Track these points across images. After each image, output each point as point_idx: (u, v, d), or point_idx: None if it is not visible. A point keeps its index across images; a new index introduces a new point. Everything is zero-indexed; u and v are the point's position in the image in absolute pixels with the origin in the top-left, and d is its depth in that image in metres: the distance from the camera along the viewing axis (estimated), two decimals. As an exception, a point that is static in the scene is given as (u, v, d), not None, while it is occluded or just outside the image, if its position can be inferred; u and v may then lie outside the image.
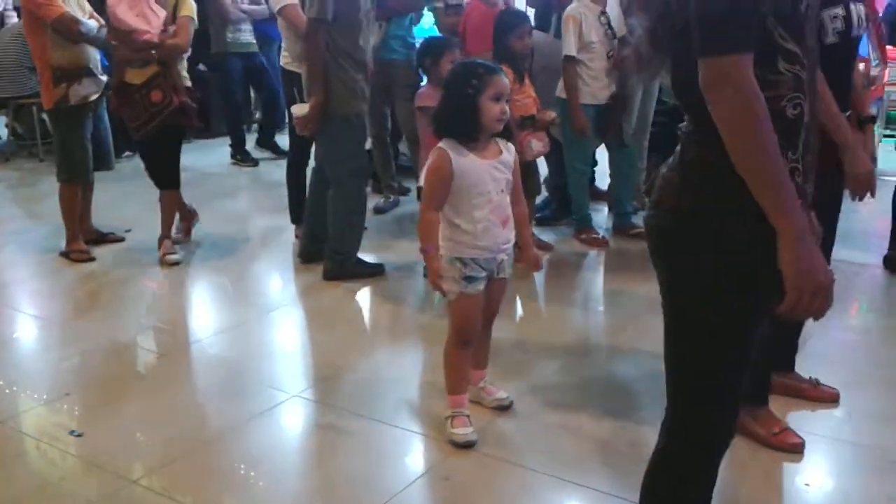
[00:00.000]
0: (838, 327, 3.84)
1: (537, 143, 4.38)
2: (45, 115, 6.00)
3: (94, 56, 4.67)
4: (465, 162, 2.68)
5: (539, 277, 4.63)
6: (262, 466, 2.72)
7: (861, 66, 4.95)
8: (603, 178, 5.74)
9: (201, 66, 8.17)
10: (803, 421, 2.89)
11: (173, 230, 4.86)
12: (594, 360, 3.55)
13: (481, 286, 2.78)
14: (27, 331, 3.99)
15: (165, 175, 4.74)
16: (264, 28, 7.44)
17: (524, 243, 2.92)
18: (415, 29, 5.64)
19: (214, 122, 8.46)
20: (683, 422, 1.74)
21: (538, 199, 5.39)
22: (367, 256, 4.60)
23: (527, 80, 4.45)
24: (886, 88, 6.19)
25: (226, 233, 5.40)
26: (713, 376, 1.67)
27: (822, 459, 2.74)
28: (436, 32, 5.66)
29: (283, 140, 7.13)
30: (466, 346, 2.86)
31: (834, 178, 2.59)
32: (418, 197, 4.61)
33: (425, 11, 5.84)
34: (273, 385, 3.31)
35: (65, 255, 4.76)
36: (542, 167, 5.59)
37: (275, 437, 2.98)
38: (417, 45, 5.40)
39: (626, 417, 3.02)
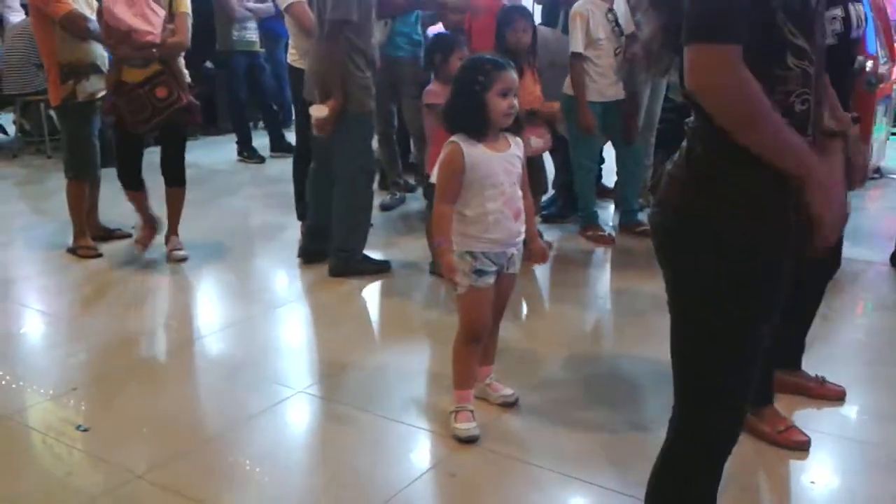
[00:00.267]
0: (845, 325, 3.84)
1: (536, 140, 4.38)
2: (52, 112, 6.02)
3: (102, 53, 4.68)
4: (478, 154, 2.68)
5: (545, 275, 4.63)
6: (267, 462, 2.73)
7: (869, 63, 4.98)
8: (610, 176, 5.73)
9: (209, 64, 8.21)
10: (809, 419, 2.89)
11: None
12: (600, 358, 3.55)
13: (491, 280, 2.78)
14: (34, 326, 4.00)
15: (171, 172, 4.74)
16: (271, 25, 7.45)
17: (530, 236, 2.92)
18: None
19: (222, 119, 8.51)
20: (688, 422, 1.74)
21: (544, 197, 5.40)
22: (373, 253, 4.60)
23: (529, 75, 4.42)
24: (895, 86, 6.16)
25: (232, 229, 5.41)
26: (714, 378, 1.67)
27: (827, 457, 2.74)
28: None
29: (290, 136, 7.14)
30: (476, 342, 2.86)
31: None
32: (424, 194, 4.64)
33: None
34: (279, 381, 3.32)
35: (72, 251, 4.77)
36: (549, 164, 5.60)
37: (280, 432, 2.99)
38: (423, 43, 5.43)
39: (632, 415, 3.02)
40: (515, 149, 2.79)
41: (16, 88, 7.46)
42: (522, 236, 2.83)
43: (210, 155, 7.84)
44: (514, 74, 2.72)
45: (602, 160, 5.74)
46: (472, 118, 2.69)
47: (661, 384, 3.03)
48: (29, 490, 2.59)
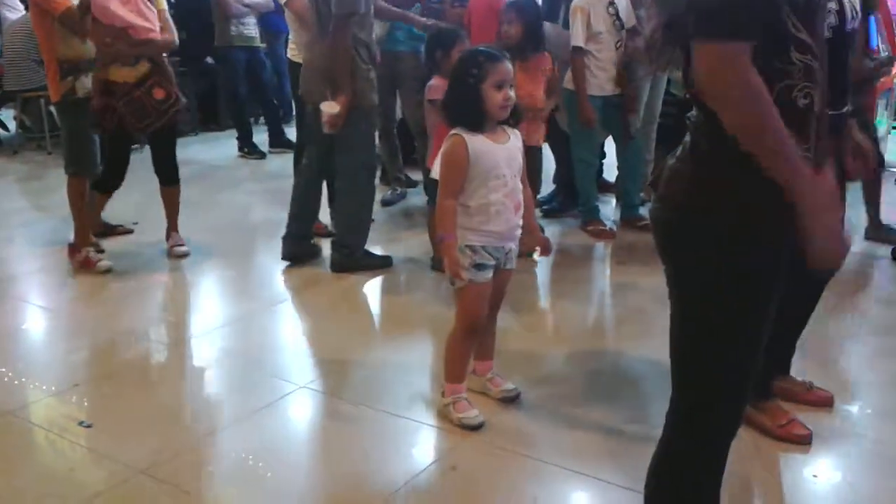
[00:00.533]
0: (848, 320, 3.84)
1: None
2: (52, 108, 6.00)
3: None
4: (481, 145, 2.69)
5: (546, 269, 4.63)
6: (269, 457, 2.73)
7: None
8: (610, 170, 5.73)
9: (208, 60, 8.21)
10: (810, 413, 2.89)
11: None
12: (601, 352, 3.55)
13: (490, 275, 2.78)
14: (36, 322, 4.01)
15: (165, 171, 4.74)
16: (272, 20, 7.45)
17: (531, 227, 2.92)
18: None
19: (222, 114, 8.52)
20: (687, 416, 1.74)
21: (544, 193, 5.40)
22: (374, 249, 4.60)
23: (520, 72, 4.39)
24: (895, 80, 6.15)
25: (233, 225, 5.41)
26: (714, 373, 1.67)
27: (829, 451, 2.74)
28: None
29: (290, 132, 7.14)
30: (473, 335, 2.87)
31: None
32: (426, 189, 4.63)
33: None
34: (280, 376, 3.32)
35: (73, 246, 4.76)
36: (550, 160, 5.60)
37: (282, 428, 2.99)
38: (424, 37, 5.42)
39: (633, 409, 3.02)
40: (515, 140, 2.80)
41: (16, 85, 7.46)
42: (520, 231, 2.84)
43: (210, 151, 7.85)
44: (508, 66, 2.72)
45: (603, 155, 5.74)
46: (468, 111, 2.69)
47: (662, 378, 3.03)
48: (32, 486, 2.59)
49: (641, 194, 5.31)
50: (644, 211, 5.14)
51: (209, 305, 4.29)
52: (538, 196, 5.06)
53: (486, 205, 2.70)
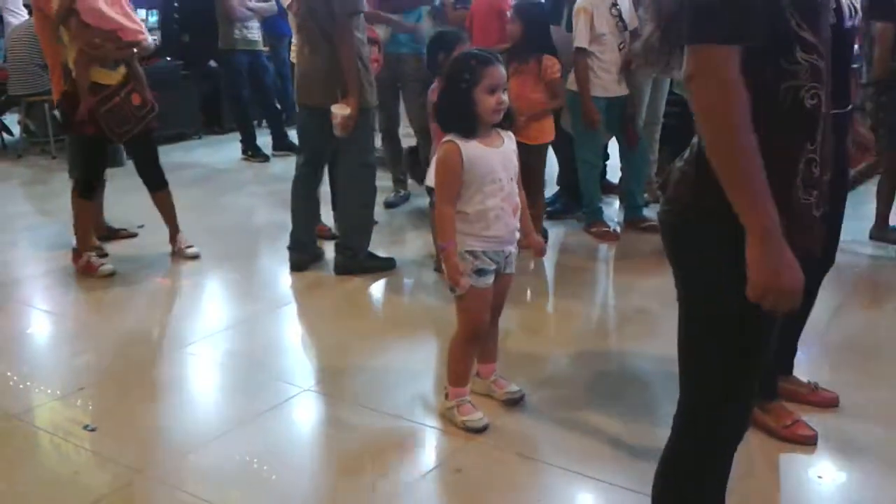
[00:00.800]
0: (852, 320, 3.83)
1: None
2: (56, 112, 6.01)
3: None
4: (476, 151, 2.68)
5: (550, 271, 4.63)
6: (274, 460, 2.73)
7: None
8: (614, 172, 5.72)
9: (211, 63, 8.22)
10: (815, 413, 2.88)
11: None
12: (606, 354, 3.54)
13: (491, 280, 2.78)
14: (40, 326, 4.01)
15: (151, 177, 4.72)
16: (275, 24, 7.46)
17: (527, 230, 2.91)
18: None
19: (225, 118, 8.53)
20: (694, 418, 1.74)
21: (549, 193, 5.39)
22: (377, 251, 4.60)
23: (513, 75, 4.40)
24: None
25: (236, 228, 5.42)
26: (720, 376, 1.67)
27: (835, 452, 2.73)
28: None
29: (293, 135, 7.14)
30: (476, 340, 2.87)
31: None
32: (428, 191, 4.63)
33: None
34: (284, 379, 3.32)
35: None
36: (553, 161, 5.59)
37: (286, 430, 2.99)
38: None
39: (638, 411, 3.01)
40: (509, 143, 2.79)
41: (20, 89, 7.47)
42: (518, 234, 2.83)
43: (214, 154, 7.85)
44: (501, 69, 2.70)
45: (606, 156, 5.74)
46: (461, 115, 2.67)
47: (666, 380, 3.03)
48: (37, 489, 2.59)
49: (645, 195, 5.31)
50: (648, 212, 5.14)
51: (213, 308, 4.30)
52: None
53: (485, 210, 2.70)
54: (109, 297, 4.30)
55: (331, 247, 4.59)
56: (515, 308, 3.74)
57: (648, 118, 5.23)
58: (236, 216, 5.75)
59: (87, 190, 4.53)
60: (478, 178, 2.68)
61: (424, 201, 5.44)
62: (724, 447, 1.74)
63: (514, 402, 3.01)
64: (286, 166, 6.49)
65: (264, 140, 7.77)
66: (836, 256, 2.83)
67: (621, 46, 4.80)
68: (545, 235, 4.83)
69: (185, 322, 4.02)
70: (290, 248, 4.54)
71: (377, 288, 4.37)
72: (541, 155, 4.68)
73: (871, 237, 4.78)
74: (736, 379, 1.67)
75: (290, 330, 3.97)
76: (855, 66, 4.11)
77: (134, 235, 5.13)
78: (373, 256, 4.52)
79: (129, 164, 5.66)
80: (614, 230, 5.09)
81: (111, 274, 4.47)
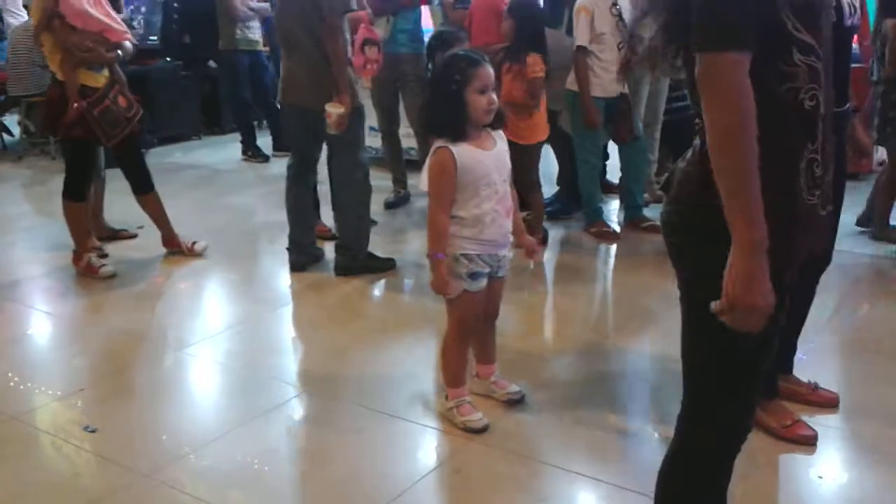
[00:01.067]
0: (851, 319, 3.83)
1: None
2: (27, 122, 6.00)
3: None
4: (469, 155, 2.66)
5: (550, 271, 4.64)
6: (274, 461, 2.73)
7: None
8: (614, 172, 5.72)
9: (211, 63, 8.22)
10: (815, 413, 2.88)
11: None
12: (606, 354, 3.54)
13: (484, 283, 2.78)
14: (40, 327, 4.01)
15: (138, 180, 4.70)
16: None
17: (517, 230, 2.90)
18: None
19: (225, 118, 8.53)
20: (696, 418, 1.73)
21: (549, 193, 5.39)
22: (377, 251, 4.60)
23: (505, 74, 4.41)
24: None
25: (236, 228, 5.42)
26: (724, 375, 1.66)
27: (835, 452, 2.73)
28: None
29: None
30: (467, 341, 2.89)
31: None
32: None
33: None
34: (284, 380, 3.32)
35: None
36: (553, 161, 5.60)
37: (286, 431, 2.99)
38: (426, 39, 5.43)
39: (639, 411, 3.02)
40: (502, 144, 2.78)
41: (20, 90, 7.47)
42: (511, 237, 2.84)
43: (214, 154, 7.85)
44: (490, 70, 2.69)
45: (606, 156, 5.74)
46: (452, 117, 2.65)
47: (668, 380, 3.03)
48: (37, 490, 2.59)
49: (645, 195, 5.31)
50: (648, 212, 5.13)
51: (213, 309, 4.30)
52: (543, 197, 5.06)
53: (480, 215, 2.69)
54: (110, 298, 4.30)
55: (331, 247, 4.59)
56: (516, 308, 3.74)
57: (648, 118, 5.23)
58: (236, 217, 5.75)
59: (75, 193, 4.50)
60: (472, 182, 2.67)
61: (425, 202, 5.44)
62: (728, 448, 1.74)
63: (515, 402, 3.01)
64: (286, 166, 6.49)
65: (264, 140, 7.77)
66: (834, 255, 2.83)
67: (620, 46, 4.79)
68: (546, 235, 4.83)
69: (185, 323, 4.02)
70: (289, 249, 4.54)
71: (377, 289, 4.37)
72: (532, 154, 4.66)
73: (873, 237, 4.78)
74: (740, 380, 1.67)
75: (290, 331, 3.97)
76: (856, 64, 4.11)
77: (134, 236, 5.13)
78: (373, 257, 4.52)
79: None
80: (614, 230, 5.09)
81: (112, 275, 4.47)
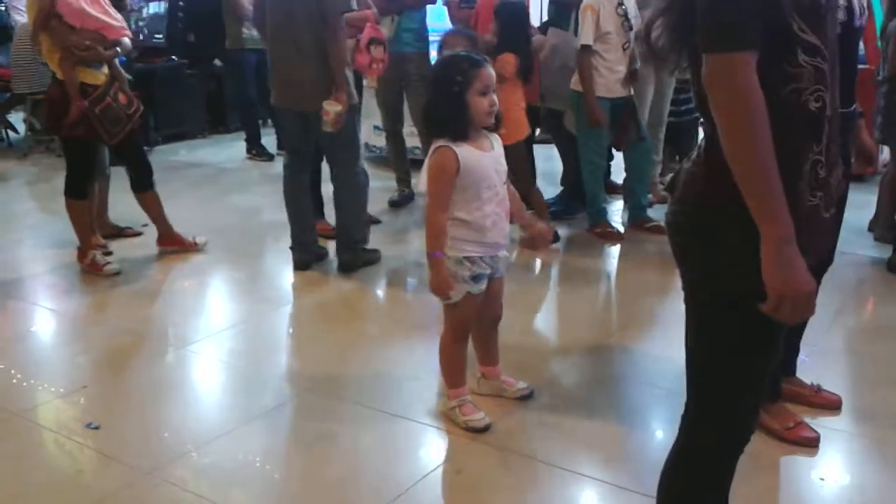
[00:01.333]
0: (853, 322, 3.83)
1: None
2: (33, 119, 5.99)
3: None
4: (471, 157, 2.66)
5: (554, 272, 4.64)
6: (276, 459, 2.74)
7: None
8: (618, 172, 5.71)
9: (217, 62, 8.23)
10: (818, 415, 2.88)
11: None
12: (608, 355, 3.54)
13: (485, 284, 2.79)
14: (44, 324, 4.02)
15: (143, 173, 4.70)
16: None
17: (527, 221, 2.93)
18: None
19: (230, 117, 8.54)
20: (700, 418, 1.73)
21: (551, 195, 5.39)
22: (383, 250, 4.64)
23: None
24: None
25: (241, 227, 5.42)
26: (728, 376, 1.66)
27: (837, 454, 2.73)
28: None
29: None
30: (465, 341, 2.90)
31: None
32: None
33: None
34: (287, 378, 3.33)
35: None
36: (557, 161, 5.59)
37: (289, 430, 3.00)
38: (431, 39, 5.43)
39: (642, 412, 3.02)
40: (498, 146, 2.78)
41: (26, 87, 7.48)
42: (508, 239, 2.85)
43: (219, 153, 7.86)
44: (491, 71, 2.68)
45: (611, 157, 5.73)
46: (453, 119, 2.64)
47: (671, 381, 3.03)
48: (39, 487, 2.60)
49: (649, 196, 5.30)
50: (652, 213, 5.13)
51: (216, 307, 4.30)
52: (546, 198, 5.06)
53: (483, 217, 2.69)
54: (113, 295, 4.31)
55: (334, 245, 4.59)
56: (518, 309, 3.73)
57: (652, 119, 5.22)
58: (241, 215, 5.75)
59: (77, 191, 4.51)
60: (474, 183, 2.67)
61: (428, 201, 5.45)
62: (731, 449, 1.74)
63: (526, 398, 3.03)
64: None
65: (269, 139, 7.78)
66: (837, 257, 2.83)
67: (625, 46, 4.79)
68: (556, 235, 4.82)
69: (189, 321, 4.02)
70: (292, 247, 4.55)
71: (380, 288, 4.38)
72: (513, 154, 4.64)
73: (876, 239, 4.76)
74: (744, 381, 1.67)
75: (293, 329, 3.98)
76: (862, 66, 4.09)
77: (138, 234, 5.14)
78: (366, 250, 4.58)
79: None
80: (618, 230, 5.08)
81: (116, 273, 4.47)
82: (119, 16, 4.44)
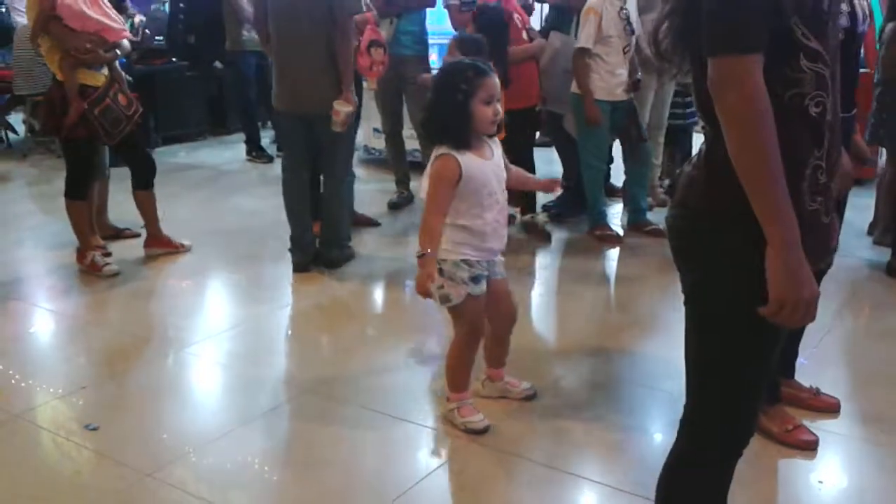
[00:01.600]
0: (851, 325, 3.83)
1: None
2: (32, 120, 5.98)
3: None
4: (473, 164, 2.66)
5: (553, 274, 4.64)
6: (275, 461, 2.74)
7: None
8: (618, 175, 5.72)
9: (217, 64, 8.23)
10: (817, 418, 2.88)
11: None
12: (608, 357, 3.54)
13: (484, 286, 2.79)
14: (43, 325, 4.02)
15: (146, 173, 4.70)
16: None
17: (532, 183, 3.24)
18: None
19: (230, 118, 8.54)
20: (699, 421, 1.73)
21: (552, 197, 5.39)
22: (382, 251, 4.69)
23: None
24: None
25: (240, 228, 5.42)
26: (727, 379, 1.66)
27: (835, 457, 2.73)
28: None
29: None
30: (475, 346, 2.90)
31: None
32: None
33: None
34: (286, 380, 3.33)
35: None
36: (557, 164, 5.60)
37: (288, 431, 2.99)
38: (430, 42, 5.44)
39: (641, 414, 3.02)
40: (498, 152, 2.79)
41: (26, 88, 7.47)
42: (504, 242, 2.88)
43: (218, 154, 7.87)
44: (496, 80, 2.68)
45: (611, 160, 5.73)
46: (457, 127, 2.63)
47: (671, 383, 3.03)
48: (38, 488, 2.60)
49: (649, 199, 5.30)
50: (651, 215, 5.13)
51: (215, 309, 4.30)
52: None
53: (483, 224, 2.70)
54: (112, 296, 4.31)
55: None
56: (519, 310, 3.73)
57: (652, 122, 5.22)
58: (240, 217, 5.75)
59: (76, 191, 4.51)
60: (476, 191, 2.67)
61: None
62: (730, 451, 1.74)
63: (531, 398, 3.04)
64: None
65: (269, 140, 7.79)
66: (836, 260, 2.82)
67: (626, 50, 4.79)
68: (548, 235, 4.82)
69: (188, 322, 4.02)
70: (291, 249, 4.56)
71: (379, 290, 4.38)
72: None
73: (875, 242, 4.77)
74: (743, 383, 1.67)
75: (292, 331, 3.97)
76: (862, 70, 4.10)
77: (138, 235, 5.13)
78: (349, 246, 4.73)
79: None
80: (618, 233, 5.08)
81: (115, 274, 4.47)
82: (119, 17, 4.44)
